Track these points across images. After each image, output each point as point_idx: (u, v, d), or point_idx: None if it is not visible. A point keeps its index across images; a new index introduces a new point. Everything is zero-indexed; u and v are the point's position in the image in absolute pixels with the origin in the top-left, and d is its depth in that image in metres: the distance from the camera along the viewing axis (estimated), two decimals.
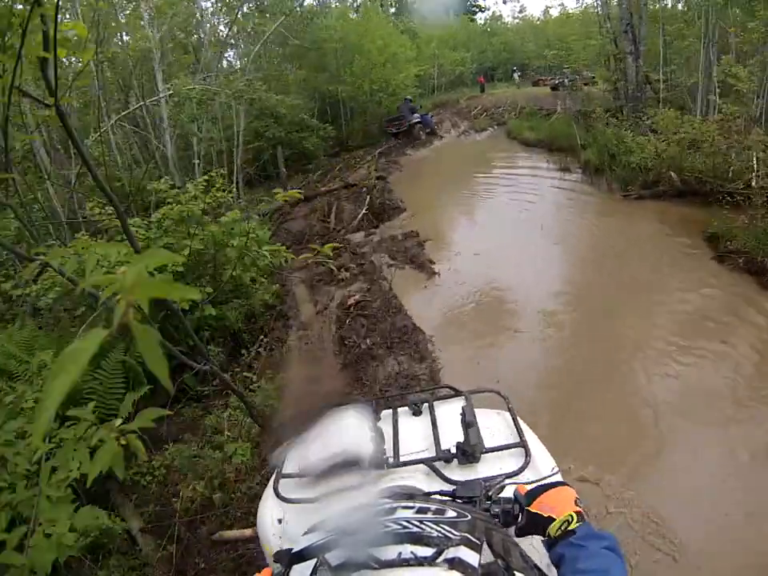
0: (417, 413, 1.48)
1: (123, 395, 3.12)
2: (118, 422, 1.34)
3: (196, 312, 4.03)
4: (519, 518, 0.87)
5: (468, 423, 1.30)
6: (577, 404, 3.36)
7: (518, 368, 3.86)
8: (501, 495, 0.96)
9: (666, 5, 13.69)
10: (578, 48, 17.31)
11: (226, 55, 12.20)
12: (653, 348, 3.92)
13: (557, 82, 26.54)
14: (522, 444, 1.27)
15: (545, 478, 1.14)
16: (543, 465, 1.24)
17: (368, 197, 8.49)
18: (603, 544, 0.74)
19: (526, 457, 1.23)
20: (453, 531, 0.63)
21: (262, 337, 4.79)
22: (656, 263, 5.38)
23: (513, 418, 1.38)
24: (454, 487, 1.04)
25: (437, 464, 1.24)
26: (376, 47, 14.09)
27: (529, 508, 0.86)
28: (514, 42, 37.23)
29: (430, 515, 0.69)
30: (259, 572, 0.82)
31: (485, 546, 0.62)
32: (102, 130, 8.01)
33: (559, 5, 45.88)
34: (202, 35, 10.62)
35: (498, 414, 1.46)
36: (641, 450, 2.93)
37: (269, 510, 1.24)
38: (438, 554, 0.58)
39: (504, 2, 34.14)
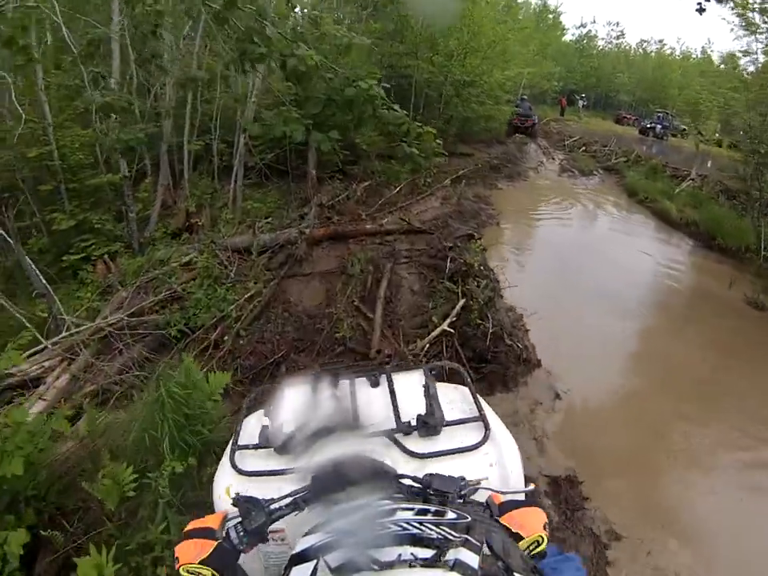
0: (374, 384, 1.40)
1: None
2: None
3: None
4: None
5: (431, 395, 1.28)
6: None
7: None
8: (473, 497, 0.95)
9: None
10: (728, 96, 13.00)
11: None
12: None
13: (648, 126, 22.22)
14: (482, 418, 1.24)
15: (517, 493, 1.03)
16: (502, 439, 1.22)
17: (462, 298, 4.02)
18: (574, 565, 0.82)
19: (486, 430, 1.20)
20: (453, 533, 0.62)
21: None
22: None
23: (471, 393, 1.35)
24: (428, 476, 0.96)
25: (397, 435, 1.19)
26: (488, 23, 9.74)
27: (499, 518, 0.86)
28: (604, 68, 33.09)
29: (429, 517, 0.68)
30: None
31: (485, 547, 0.61)
32: None
33: (659, 40, 41.29)
34: None
35: (456, 388, 1.41)
36: None
37: (224, 482, 1.17)
38: (438, 555, 0.57)
39: None
